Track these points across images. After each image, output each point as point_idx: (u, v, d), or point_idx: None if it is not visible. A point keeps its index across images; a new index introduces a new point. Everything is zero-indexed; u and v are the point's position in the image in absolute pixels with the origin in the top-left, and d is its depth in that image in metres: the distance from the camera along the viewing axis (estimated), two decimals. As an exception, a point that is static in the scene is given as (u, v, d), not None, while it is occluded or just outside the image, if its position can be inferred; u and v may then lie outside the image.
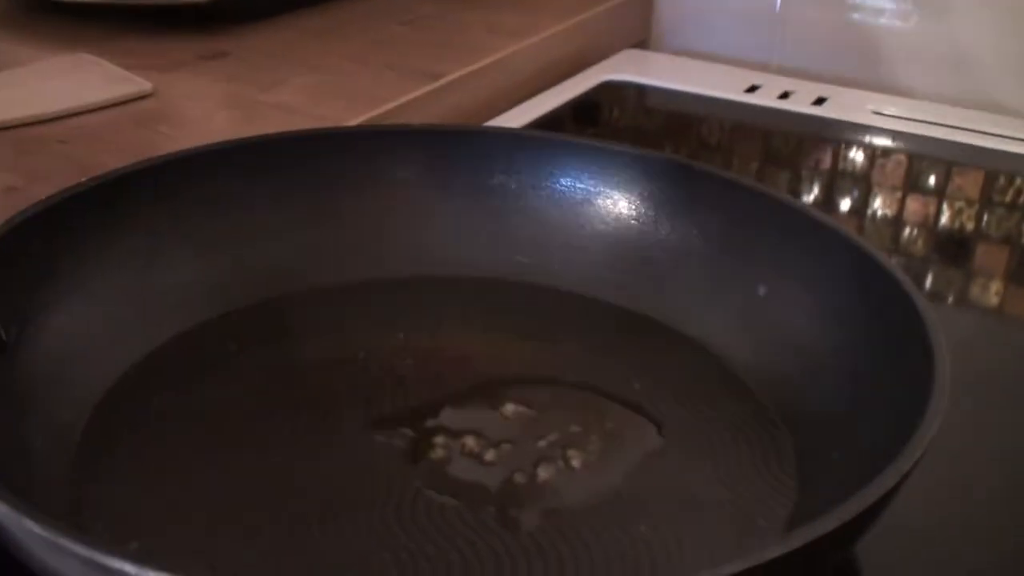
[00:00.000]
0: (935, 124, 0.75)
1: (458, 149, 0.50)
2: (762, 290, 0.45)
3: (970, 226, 0.63)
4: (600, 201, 0.50)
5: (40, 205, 0.41)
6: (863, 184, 0.68)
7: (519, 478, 0.37)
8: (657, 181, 0.49)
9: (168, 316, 0.43)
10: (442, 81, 0.64)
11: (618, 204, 0.49)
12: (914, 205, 0.66)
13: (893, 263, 0.41)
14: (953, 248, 0.62)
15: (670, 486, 0.37)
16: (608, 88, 0.78)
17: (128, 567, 0.25)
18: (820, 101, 0.78)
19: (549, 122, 0.69)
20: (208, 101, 0.60)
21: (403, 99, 0.61)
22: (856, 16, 0.84)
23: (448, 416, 0.40)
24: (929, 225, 0.63)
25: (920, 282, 0.57)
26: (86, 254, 0.42)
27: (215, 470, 0.37)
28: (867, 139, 0.74)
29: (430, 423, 0.39)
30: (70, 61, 0.62)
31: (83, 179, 0.43)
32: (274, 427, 0.39)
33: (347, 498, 0.36)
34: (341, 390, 0.41)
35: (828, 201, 0.66)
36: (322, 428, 0.39)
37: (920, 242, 0.62)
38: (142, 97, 0.59)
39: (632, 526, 0.35)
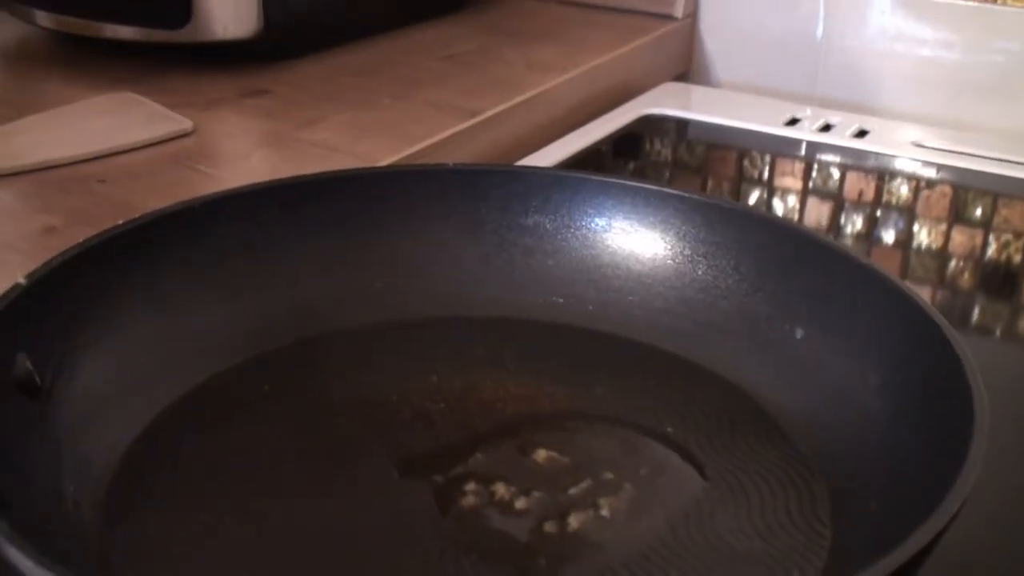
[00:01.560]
0: (979, 156, 0.73)
1: (492, 188, 0.49)
2: (799, 333, 0.45)
3: (1017, 258, 0.62)
4: (636, 241, 0.49)
5: (77, 248, 0.41)
6: (907, 216, 0.67)
7: (549, 527, 0.36)
8: (693, 220, 0.48)
9: (201, 358, 0.43)
10: (480, 117, 0.64)
11: (654, 244, 0.49)
12: (960, 237, 0.65)
13: (933, 307, 0.40)
14: (1000, 281, 0.61)
15: (703, 535, 0.37)
16: (648, 121, 0.77)
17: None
18: (862, 134, 0.77)
19: (589, 156, 0.69)
20: (247, 139, 0.61)
21: (441, 136, 0.61)
22: (899, 46, 0.84)
23: (478, 462, 0.39)
24: (975, 257, 0.62)
25: (966, 316, 0.56)
26: (121, 297, 0.42)
27: (243, 516, 0.37)
28: (910, 171, 0.73)
29: (460, 469, 0.39)
30: (112, 100, 0.62)
31: (120, 221, 0.43)
32: (303, 472, 0.39)
33: (374, 548, 0.35)
34: (371, 434, 0.41)
35: (871, 234, 0.65)
36: (351, 474, 0.39)
37: (966, 275, 0.61)
38: (183, 135, 0.59)
39: (658, 574, 0.35)
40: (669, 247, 0.49)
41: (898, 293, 0.41)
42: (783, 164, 0.75)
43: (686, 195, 0.49)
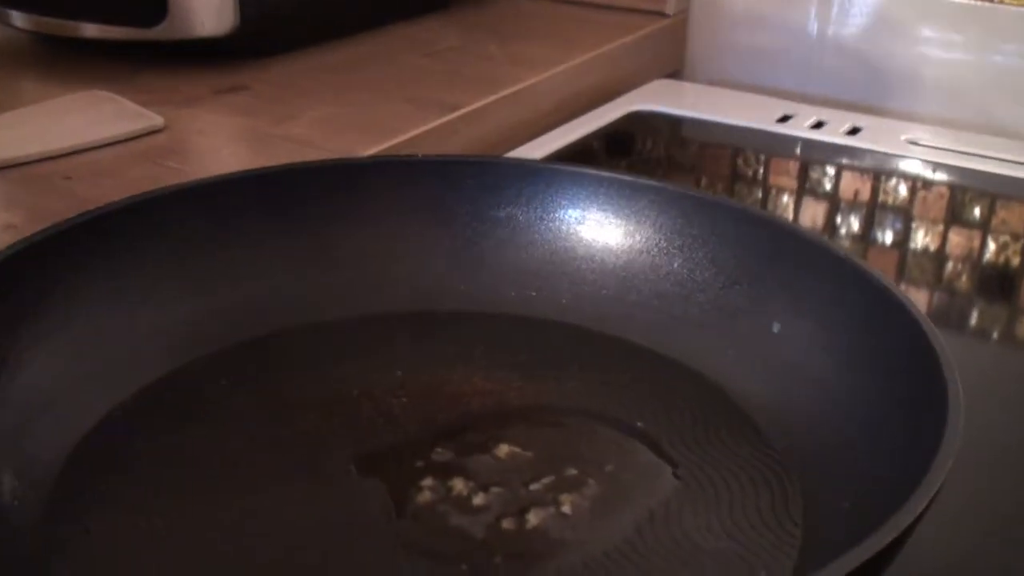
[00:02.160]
0: (976, 155, 0.72)
1: (463, 179, 0.48)
2: (776, 327, 0.43)
3: (1016, 261, 0.61)
4: (610, 233, 0.48)
5: (26, 241, 0.40)
6: (903, 217, 0.66)
7: (507, 524, 0.35)
8: (668, 212, 0.47)
9: (159, 354, 0.42)
10: (459, 112, 0.63)
11: (629, 236, 0.48)
12: (957, 239, 0.63)
13: (911, 302, 0.38)
14: (998, 284, 0.59)
15: (670, 533, 0.35)
16: (638, 118, 0.76)
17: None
18: (855, 131, 0.75)
19: (576, 153, 0.68)
20: (220, 135, 0.60)
21: (418, 130, 0.60)
22: (896, 45, 0.82)
23: (439, 457, 0.38)
24: (973, 260, 0.61)
25: (963, 320, 0.55)
26: (74, 292, 0.41)
27: (193, 514, 0.35)
28: (905, 169, 0.71)
29: (419, 464, 0.38)
30: (83, 98, 0.61)
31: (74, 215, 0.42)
32: (258, 469, 0.38)
33: (326, 547, 0.34)
34: (331, 430, 0.40)
35: (867, 235, 0.63)
36: (307, 468, 0.38)
37: (964, 278, 0.59)
38: (154, 132, 0.58)
39: (621, 574, 0.33)
40: (644, 239, 0.47)
41: (877, 287, 0.40)
42: (778, 163, 0.74)
43: (661, 186, 0.47)
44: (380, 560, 0.33)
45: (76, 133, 0.56)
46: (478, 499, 0.36)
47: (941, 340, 0.36)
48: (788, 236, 0.44)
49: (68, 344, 0.40)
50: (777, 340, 0.43)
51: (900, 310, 0.38)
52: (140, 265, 0.43)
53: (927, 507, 0.29)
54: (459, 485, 0.37)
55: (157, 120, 0.59)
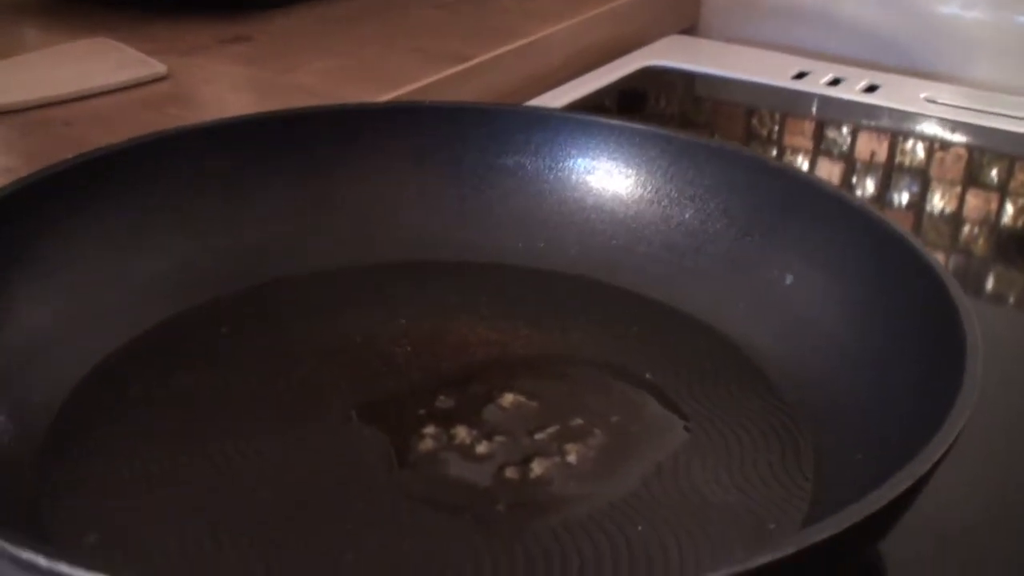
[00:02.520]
0: (996, 114, 0.70)
1: (469, 127, 0.47)
2: (788, 279, 0.42)
3: (1035, 223, 0.60)
4: (620, 183, 0.47)
5: (22, 182, 0.39)
6: (920, 178, 0.65)
7: (510, 473, 0.34)
8: (680, 162, 0.46)
9: (155, 300, 0.41)
10: (469, 63, 0.62)
11: (639, 186, 0.46)
12: (974, 201, 0.62)
13: (928, 250, 0.37)
14: (1016, 247, 0.58)
15: (677, 486, 0.34)
16: (651, 74, 0.75)
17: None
18: (872, 88, 0.74)
19: (587, 108, 0.67)
20: (223, 84, 0.58)
21: (427, 80, 0.59)
22: (916, 3, 0.81)
23: (442, 405, 0.37)
24: (991, 222, 0.59)
25: (980, 283, 0.54)
26: (68, 235, 0.40)
27: (187, 460, 0.34)
28: (922, 129, 0.70)
29: (421, 412, 0.37)
30: (86, 45, 0.60)
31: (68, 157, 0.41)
32: (256, 415, 0.37)
33: (325, 496, 0.33)
34: (332, 377, 0.39)
35: (883, 196, 0.62)
36: (307, 416, 0.37)
37: (981, 241, 0.58)
38: (157, 80, 0.57)
39: (628, 527, 0.32)
40: (655, 190, 0.46)
41: (893, 238, 0.38)
42: (793, 123, 0.72)
43: (673, 135, 0.46)
44: (381, 509, 0.33)
45: (78, 79, 0.55)
46: (481, 448, 0.35)
47: (960, 291, 0.35)
48: (803, 186, 0.43)
49: (63, 288, 0.39)
50: (790, 293, 0.42)
51: (918, 261, 0.37)
52: (137, 209, 0.42)
53: (941, 458, 0.28)
54: (462, 433, 0.36)
55: (160, 68, 0.57)
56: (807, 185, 0.43)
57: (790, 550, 0.23)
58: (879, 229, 0.39)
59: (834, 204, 0.41)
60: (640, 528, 0.32)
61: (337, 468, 0.34)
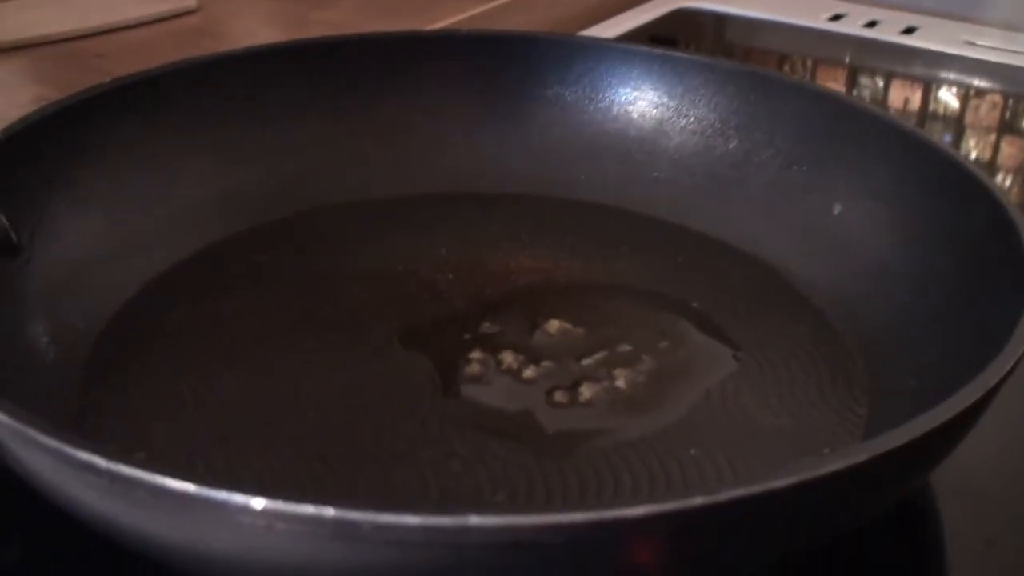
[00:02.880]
0: (1036, 57, 0.69)
1: (509, 57, 0.46)
2: (837, 208, 0.41)
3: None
4: (663, 113, 0.46)
5: (60, 103, 0.39)
6: (954, 126, 0.63)
7: (559, 397, 0.34)
8: (724, 90, 0.45)
9: (195, 227, 0.41)
10: (499, 1, 0.61)
11: (682, 116, 0.46)
12: (1010, 149, 0.61)
13: (985, 174, 0.36)
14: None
15: (727, 411, 0.34)
16: (682, 15, 0.74)
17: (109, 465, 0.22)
18: (910, 30, 0.73)
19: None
20: (254, 18, 0.58)
21: (458, 18, 0.58)
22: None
23: (487, 331, 0.37)
24: (1024, 169, 0.59)
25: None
26: (109, 159, 0.40)
27: (230, 385, 0.34)
28: (959, 73, 0.69)
29: (466, 337, 0.36)
30: (116, -23, 0.60)
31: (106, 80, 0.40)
32: (298, 340, 0.36)
33: (370, 419, 0.33)
34: (373, 303, 0.38)
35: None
36: (349, 342, 0.36)
37: (1015, 190, 0.57)
38: (187, 13, 0.56)
39: (681, 450, 0.32)
40: (698, 120, 0.45)
41: (948, 161, 0.38)
42: (825, 70, 0.71)
43: (716, 63, 0.45)
44: (426, 434, 0.32)
45: (107, 12, 0.54)
46: (529, 372, 0.35)
47: (1018, 212, 0.34)
48: (851, 112, 0.42)
49: (103, 212, 0.39)
50: (838, 222, 0.41)
51: (975, 184, 0.36)
52: (176, 135, 0.41)
53: (1002, 380, 0.27)
54: (509, 358, 0.35)
55: (189, 1, 0.57)
56: (856, 111, 0.42)
57: (861, 457, 0.23)
58: (932, 153, 0.38)
59: (884, 130, 0.40)
60: (692, 452, 0.32)
61: (382, 391, 0.34)
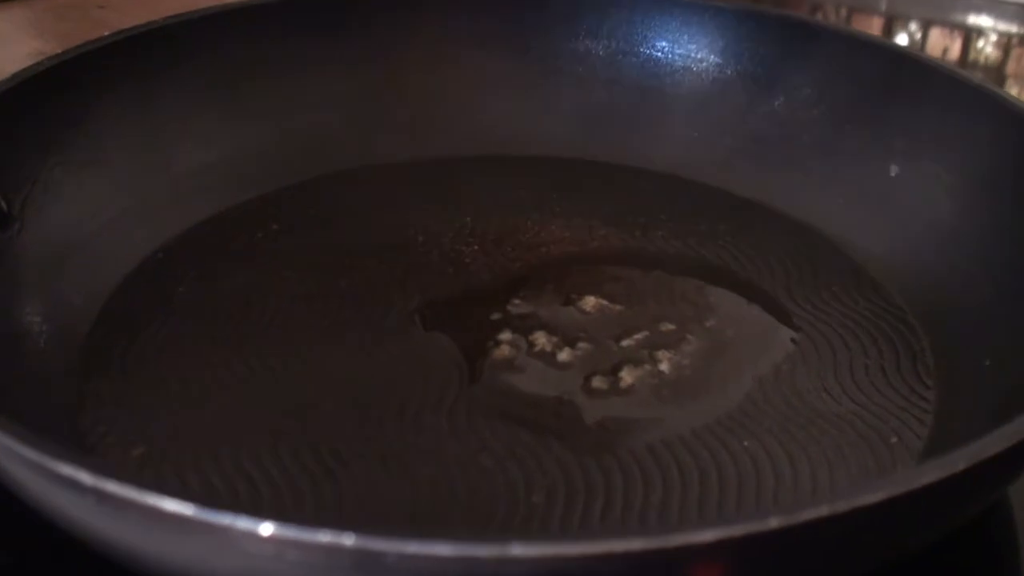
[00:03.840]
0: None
1: (535, 7, 0.43)
2: (894, 170, 0.38)
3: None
4: (702, 68, 0.43)
5: (57, 59, 0.36)
6: (995, 75, 0.60)
7: (598, 383, 0.31)
8: (768, 42, 0.41)
9: (203, 193, 0.38)
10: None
11: (723, 71, 0.42)
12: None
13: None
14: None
15: (783, 396, 0.31)
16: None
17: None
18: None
19: None
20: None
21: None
22: None
23: (517, 309, 0.34)
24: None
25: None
26: (109, 120, 0.37)
27: (238, 371, 0.31)
28: (1000, 21, 0.65)
29: (495, 316, 0.33)
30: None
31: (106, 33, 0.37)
32: (311, 319, 0.33)
33: (389, 401, 0.30)
34: (393, 276, 0.35)
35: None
36: (366, 322, 0.33)
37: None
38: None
39: (733, 442, 0.29)
40: (741, 74, 0.42)
41: (1015, 114, 0.34)
42: (860, 18, 0.68)
43: (764, 12, 0.42)
44: (455, 423, 0.29)
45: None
46: (563, 355, 0.32)
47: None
48: (909, 64, 0.38)
49: (102, 177, 0.36)
50: (896, 184, 0.38)
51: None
52: (182, 92, 0.38)
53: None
54: (541, 340, 0.32)
55: (197, -50, 0.53)
56: (913, 62, 0.38)
57: (958, 466, 0.20)
58: (1001, 109, 0.35)
59: (945, 82, 0.37)
60: (746, 443, 0.29)
61: (403, 378, 0.31)
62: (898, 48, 0.40)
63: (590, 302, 0.34)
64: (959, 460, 0.20)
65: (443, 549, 0.18)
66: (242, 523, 0.18)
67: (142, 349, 0.32)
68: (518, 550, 0.18)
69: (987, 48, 0.64)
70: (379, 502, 0.27)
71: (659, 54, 0.43)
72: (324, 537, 0.18)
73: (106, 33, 0.38)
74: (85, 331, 0.32)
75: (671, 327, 0.33)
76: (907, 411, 0.30)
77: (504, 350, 0.32)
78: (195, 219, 0.37)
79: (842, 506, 0.19)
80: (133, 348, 0.32)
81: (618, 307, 0.34)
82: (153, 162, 0.37)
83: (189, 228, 0.37)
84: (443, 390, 0.30)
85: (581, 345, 0.32)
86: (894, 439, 0.29)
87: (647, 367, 0.31)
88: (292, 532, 0.18)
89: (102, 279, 0.34)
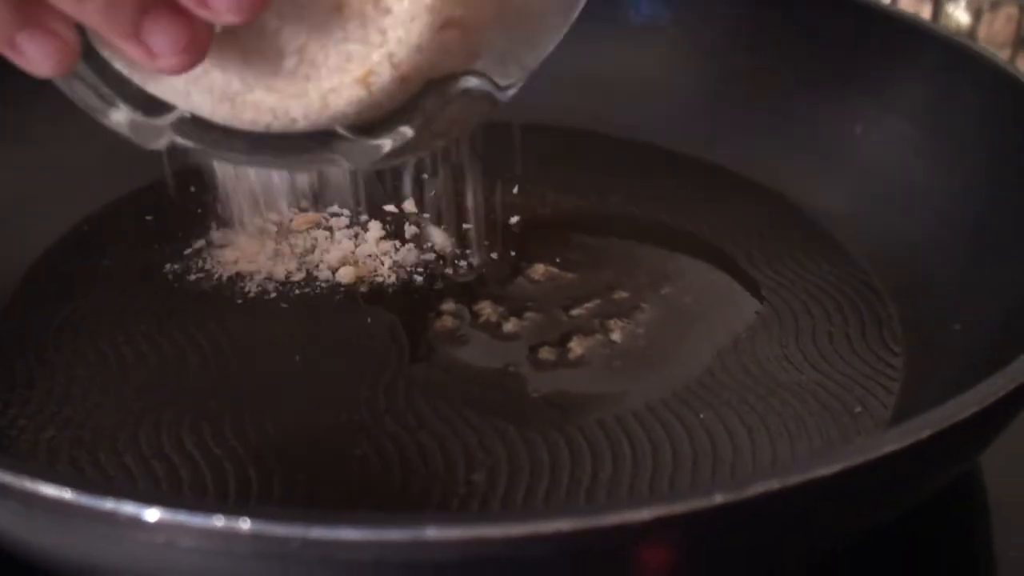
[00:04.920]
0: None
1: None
2: (858, 128, 0.36)
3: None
4: (665, 31, 0.41)
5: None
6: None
7: (545, 354, 0.29)
8: (729, 2, 0.39)
9: (130, 164, 0.35)
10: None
11: (688, 36, 0.40)
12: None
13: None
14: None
15: (741, 364, 0.29)
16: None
17: None
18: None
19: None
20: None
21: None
22: None
23: (461, 279, 0.32)
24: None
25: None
26: (31, 91, 0.34)
27: (164, 347, 0.29)
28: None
29: (438, 286, 0.31)
30: None
31: None
32: (242, 287, 0.31)
33: (326, 381, 0.28)
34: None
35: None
36: (298, 293, 0.31)
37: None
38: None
39: (688, 415, 0.27)
40: (705, 39, 0.40)
41: (984, 65, 0.33)
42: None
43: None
44: (390, 402, 0.27)
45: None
46: (510, 326, 0.30)
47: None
48: (875, 18, 0.37)
49: (26, 148, 0.34)
50: (861, 145, 0.36)
51: (1016, 89, 0.31)
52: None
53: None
54: (487, 310, 0.30)
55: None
56: (881, 16, 0.37)
57: (922, 434, 0.18)
58: (975, 61, 0.33)
59: (914, 37, 0.35)
60: (702, 416, 0.27)
61: (340, 351, 0.29)
62: (862, 3, 0.38)
63: (539, 270, 0.32)
64: (923, 427, 0.18)
65: (351, 534, 0.16)
66: (127, 508, 0.16)
67: (60, 326, 0.30)
68: (433, 533, 0.16)
69: (957, 13, 0.62)
70: (310, 484, 0.25)
71: (621, 18, 0.41)
72: (216, 523, 0.16)
73: None
74: (2, 305, 0.30)
75: (624, 295, 0.31)
76: (873, 379, 0.29)
77: (446, 321, 0.30)
78: (122, 189, 0.35)
79: (794, 479, 0.17)
80: (52, 324, 0.30)
81: (569, 275, 0.32)
82: (77, 135, 0.35)
83: (117, 198, 0.35)
84: (381, 364, 0.29)
85: (528, 315, 0.30)
86: (858, 409, 0.28)
87: (598, 337, 0.30)
88: (181, 517, 0.16)
89: (23, 252, 0.32)
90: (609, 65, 0.41)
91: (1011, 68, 0.32)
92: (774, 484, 0.17)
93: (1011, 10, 0.62)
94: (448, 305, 0.30)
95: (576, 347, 0.29)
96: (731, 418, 0.27)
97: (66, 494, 0.16)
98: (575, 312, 0.31)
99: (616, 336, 0.30)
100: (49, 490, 0.17)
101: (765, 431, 0.27)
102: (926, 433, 0.18)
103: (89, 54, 0.23)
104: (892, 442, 0.17)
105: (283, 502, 0.24)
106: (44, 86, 0.34)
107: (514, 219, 0.35)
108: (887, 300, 0.31)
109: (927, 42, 0.35)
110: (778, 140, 0.38)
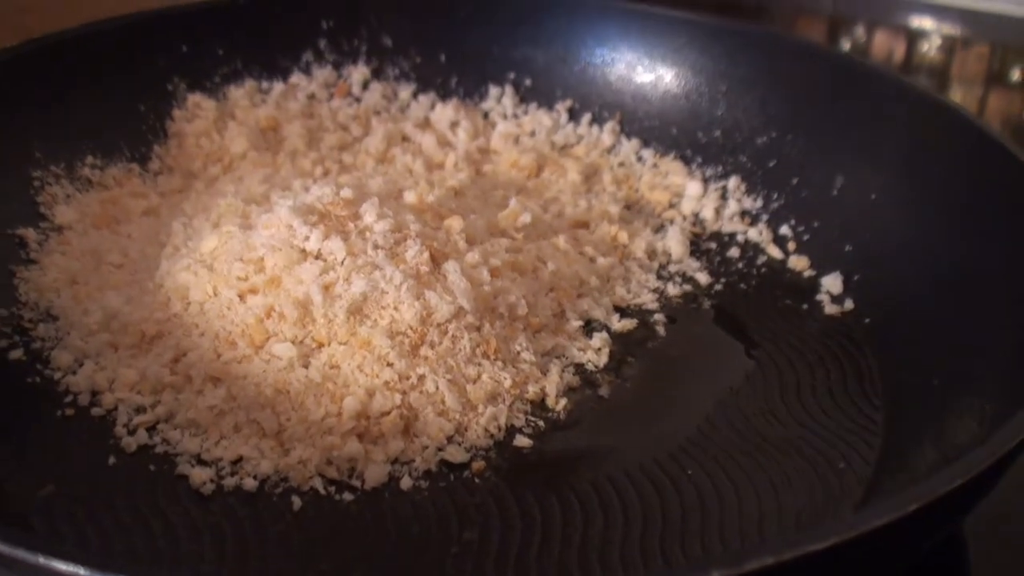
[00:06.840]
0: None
1: (472, 11, 0.41)
2: (839, 180, 0.37)
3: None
4: (644, 77, 0.41)
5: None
6: (939, 79, 0.59)
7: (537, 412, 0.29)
8: (711, 50, 0.40)
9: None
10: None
11: (666, 80, 0.41)
12: (997, 102, 0.57)
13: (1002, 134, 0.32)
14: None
15: (726, 419, 0.30)
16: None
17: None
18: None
19: None
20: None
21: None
22: None
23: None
24: (1013, 124, 0.54)
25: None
26: None
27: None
28: (946, 23, 0.64)
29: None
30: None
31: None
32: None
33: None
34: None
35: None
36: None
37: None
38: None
39: (677, 471, 0.28)
40: (683, 83, 0.41)
41: (969, 127, 0.33)
42: (805, 20, 0.67)
43: (703, 20, 0.41)
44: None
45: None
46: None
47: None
48: (856, 72, 0.37)
49: None
50: (842, 196, 0.37)
51: (1000, 153, 0.31)
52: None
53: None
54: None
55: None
56: (862, 70, 0.37)
57: (908, 508, 0.19)
58: (950, 117, 0.34)
59: (894, 91, 0.36)
60: (690, 472, 0.28)
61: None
62: (843, 56, 0.39)
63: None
64: (910, 501, 0.19)
65: None
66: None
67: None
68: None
69: (931, 52, 0.63)
70: (302, 539, 0.25)
71: (599, 62, 0.42)
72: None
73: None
74: None
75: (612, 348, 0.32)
76: (855, 434, 0.29)
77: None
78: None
79: (789, 554, 0.17)
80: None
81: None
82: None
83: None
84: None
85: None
86: (842, 464, 0.28)
87: (587, 392, 0.30)
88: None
89: None
90: (591, 109, 0.41)
91: (987, 126, 0.33)
92: (768, 559, 0.17)
93: (982, 48, 0.63)
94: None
95: (566, 403, 0.30)
96: (718, 474, 0.28)
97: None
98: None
99: (604, 391, 0.30)
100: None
101: (751, 487, 0.27)
102: (912, 507, 0.18)
103: None
104: (880, 516, 0.18)
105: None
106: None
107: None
108: (867, 353, 0.32)
109: (905, 96, 0.36)
110: (761, 188, 0.39)
